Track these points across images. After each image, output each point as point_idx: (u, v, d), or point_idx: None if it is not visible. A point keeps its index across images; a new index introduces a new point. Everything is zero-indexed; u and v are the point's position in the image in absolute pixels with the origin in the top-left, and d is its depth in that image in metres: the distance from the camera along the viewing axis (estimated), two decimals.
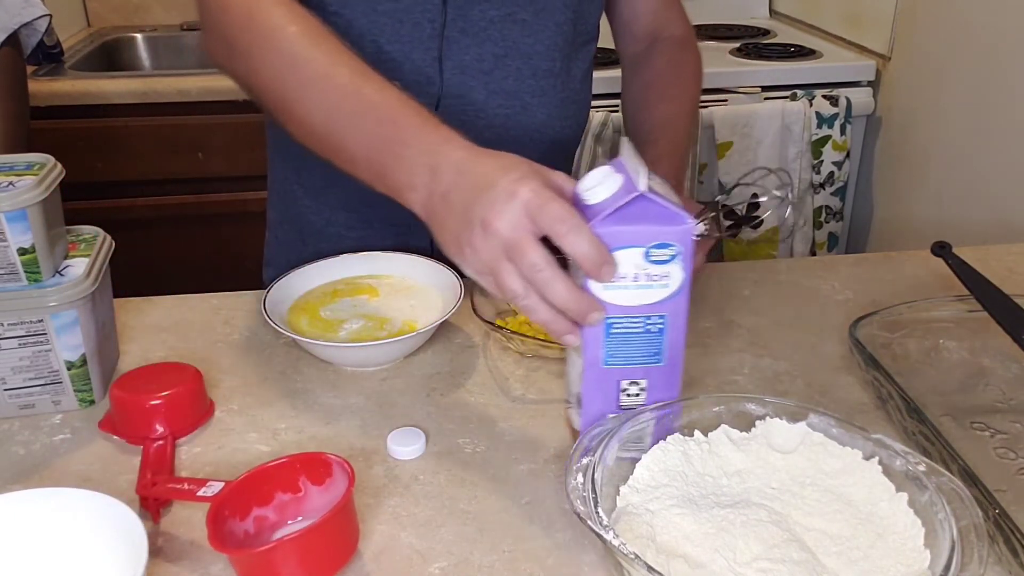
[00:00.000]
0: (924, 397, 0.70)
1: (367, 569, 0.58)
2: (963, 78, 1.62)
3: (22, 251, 0.68)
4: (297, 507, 0.61)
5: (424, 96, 0.80)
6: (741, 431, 0.64)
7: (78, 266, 0.72)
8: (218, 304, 0.91)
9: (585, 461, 0.57)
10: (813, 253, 1.95)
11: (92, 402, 0.75)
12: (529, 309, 0.60)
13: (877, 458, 0.59)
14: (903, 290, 0.92)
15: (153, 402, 0.69)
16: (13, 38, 1.19)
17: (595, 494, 0.55)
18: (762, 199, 0.88)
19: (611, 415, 0.63)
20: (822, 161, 1.87)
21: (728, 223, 0.81)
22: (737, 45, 2.02)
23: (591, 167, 0.64)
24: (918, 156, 1.79)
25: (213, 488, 0.59)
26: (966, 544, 0.51)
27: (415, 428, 0.71)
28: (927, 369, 0.78)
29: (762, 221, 1.07)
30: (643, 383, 0.64)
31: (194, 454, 0.69)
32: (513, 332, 0.79)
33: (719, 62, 1.90)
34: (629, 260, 0.59)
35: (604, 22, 1.02)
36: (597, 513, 0.53)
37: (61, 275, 0.71)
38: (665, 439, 0.62)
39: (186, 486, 0.61)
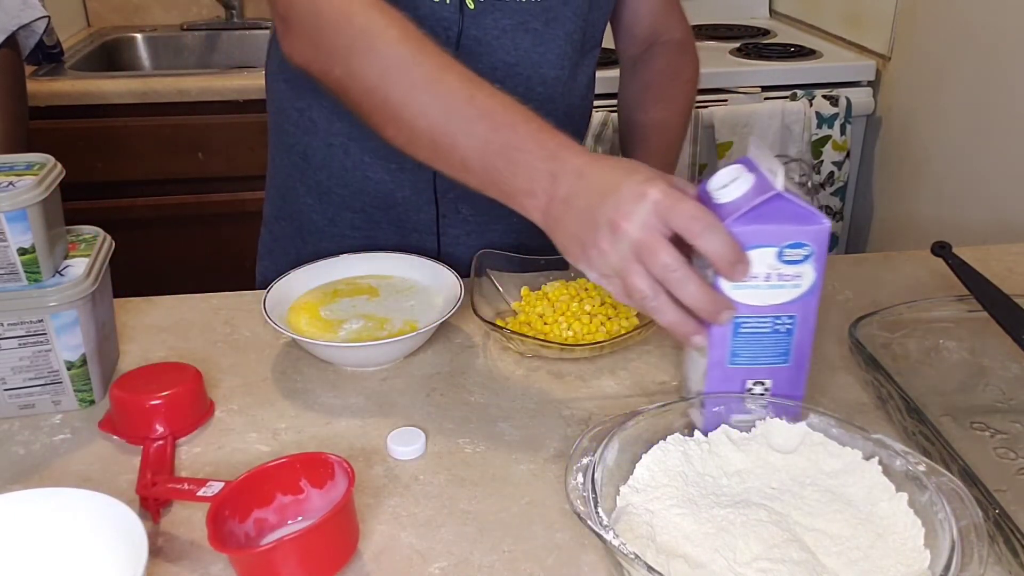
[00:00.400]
0: (924, 397, 0.70)
1: (367, 569, 0.58)
2: (963, 78, 1.62)
3: (22, 251, 0.68)
4: (297, 508, 0.61)
5: None
6: (741, 431, 0.64)
7: (78, 266, 0.72)
8: (218, 304, 0.91)
9: (585, 461, 0.57)
10: None
11: (92, 402, 0.75)
12: (657, 310, 0.60)
13: (877, 458, 0.59)
14: (903, 290, 0.92)
15: (153, 402, 0.69)
16: (11, 39, 1.20)
17: (595, 494, 0.55)
18: None
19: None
20: (822, 161, 1.87)
21: None
22: (737, 45, 2.02)
23: None
24: (918, 156, 1.79)
25: (213, 488, 0.59)
26: (966, 544, 0.51)
27: (415, 428, 0.71)
28: (927, 369, 0.78)
29: None
30: (768, 383, 0.64)
31: (194, 454, 0.69)
32: (513, 332, 0.79)
33: (719, 62, 1.90)
34: (762, 260, 0.60)
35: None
36: (597, 513, 0.53)
37: (61, 275, 0.71)
38: (666, 439, 0.62)
39: (186, 486, 0.61)
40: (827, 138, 1.85)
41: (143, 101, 1.73)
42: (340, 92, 0.75)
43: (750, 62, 1.91)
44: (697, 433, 0.63)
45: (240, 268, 1.24)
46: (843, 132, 1.85)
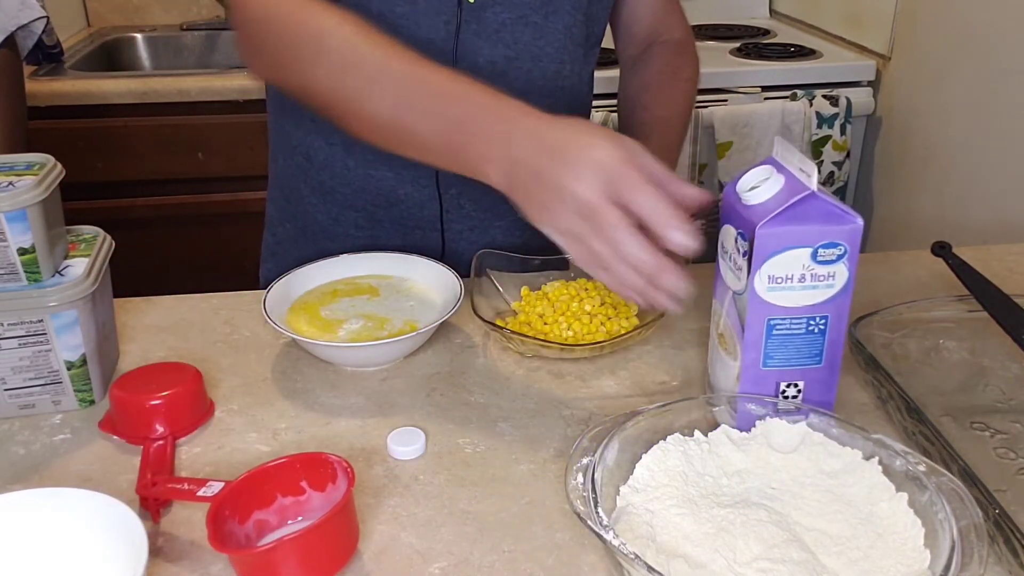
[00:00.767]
0: (924, 397, 0.70)
1: (367, 569, 0.58)
2: (963, 78, 1.62)
3: (22, 251, 0.68)
4: (298, 508, 0.61)
5: None
6: (741, 431, 0.63)
7: (78, 266, 0.72)
8: (218, 304, 0.91)
9: (585, 461, 0.57)
10: None
11: (92, 402, 0.75)
12: (620, 276, 0.60)
13: (877, 458, 0.59)
14: (903, 290, 0.92)
15: (153, 402, 0.69)
16: (10, 40, 1.20)
17: (595, 494, 0.55)
18: None
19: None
20: (822, 161, 1.87)
21: None
22: (737, 45, 2.02)
23: None
24: (918, 156, 1.79)
25: (213, 488, 0.59)
26: (966, 544, 0.51)
27: (415, 428, 0.71)
28: (927, 369, 0.78)
29: None
30: (801, 384, 0.64)
31: (194, 454, 0.69)
32: (513, 332, 0.79)
33: (719, 62, 1.90)
34: (796, 260, 0.59)
35: None
36: (597, 513, 0.53)
37: (61, 275, 0.71)
38: (666, 439, 0.62)
39: (186, 486, 0.61)
40: (827, 138, 1.85)
41: (143, 101, 1.73)
42: (304, 98, 0.78)
43: (750, 62, 1.91)
44: (697, 433, 0.63)
45: (240, 268, 1.24)
46: (843, 132, 1.85)
